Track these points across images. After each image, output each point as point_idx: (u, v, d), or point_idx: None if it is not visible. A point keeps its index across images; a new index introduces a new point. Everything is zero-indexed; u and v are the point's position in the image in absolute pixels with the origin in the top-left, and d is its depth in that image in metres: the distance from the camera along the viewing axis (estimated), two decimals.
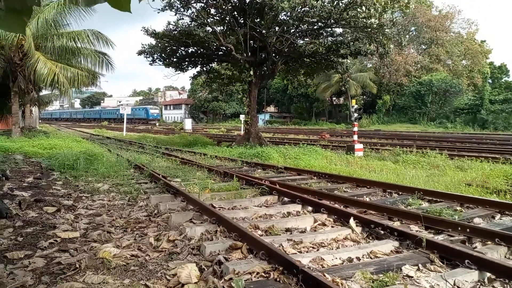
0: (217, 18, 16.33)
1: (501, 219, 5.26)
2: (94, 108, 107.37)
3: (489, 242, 4.16)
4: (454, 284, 3.16)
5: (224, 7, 15.09)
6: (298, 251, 3.98)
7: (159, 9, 15.17)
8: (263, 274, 3.28)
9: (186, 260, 3.75)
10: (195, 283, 3.21)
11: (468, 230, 4.37)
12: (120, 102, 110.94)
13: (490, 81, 53.06)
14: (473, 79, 48.55)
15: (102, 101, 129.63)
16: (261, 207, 6.01)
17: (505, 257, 3.93)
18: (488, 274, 3.32)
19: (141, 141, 19.80)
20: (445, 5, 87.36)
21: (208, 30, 15.23)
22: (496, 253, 3.89)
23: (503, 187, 7.27)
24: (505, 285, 3.14)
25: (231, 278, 3.15)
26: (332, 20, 13.59)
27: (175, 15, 15.63)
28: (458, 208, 5.81)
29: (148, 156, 12.26)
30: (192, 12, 15.81)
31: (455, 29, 51.80)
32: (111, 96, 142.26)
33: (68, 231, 4.67)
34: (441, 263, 3.60)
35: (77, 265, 3.58)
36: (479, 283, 3.25)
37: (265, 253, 3.54)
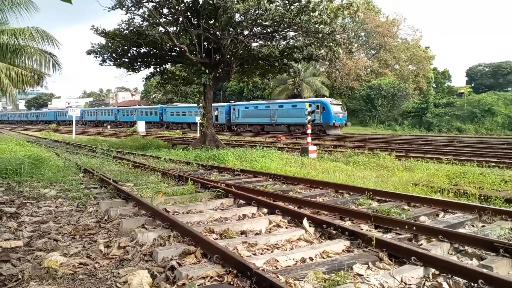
0: (170, 18, 16.04)
1: (444, 217, 5.57)
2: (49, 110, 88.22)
3: (433, 239, 4.38)
4: (401, 281, 3.30)
5: (177, 7, 14.86)
6: (253, 253, 3.99)
7: (109, 8, 14.66)
8: (217, 278, 3.26)
9: (137, 267, 3.64)
10: None
11: (414, 228, 4.58)
12: (69, 103, 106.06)
13: (434, 85, 56.23)
14: (418, 84, 51.15)
15: (49, 103, 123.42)
16: (216, 210, 5.97)
17: (448, 253, 4.16)
18: (433, 270, 3.50)
19: (91, 144, 19.07)
20: (392, 12, 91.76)
21: (161, 30, 14.94)
22: (439, 249, 4.11)
23: (446, 186, 7.69)
24: (448, 280, 3.32)
25: (184, 284, 3.10)
26: (285, 24, 13.78)
27: (126, 14, 15.19)
28: (406, 207, 6.09)
29: (98, 160, 11.81)
30: (144, 12, 15.44)
31: (401, 35, 54.44)
32: (59, 97, 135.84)
33: (10, 240, 4.40)
34: (390, 261, 3.74)
35: (20, 276, 3.39)
36: (424, 279, 3.41)
37: (219, 256, 3.52)
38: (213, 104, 44.52)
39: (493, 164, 11.02)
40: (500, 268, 3.55)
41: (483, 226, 5.08)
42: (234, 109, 40.76)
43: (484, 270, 3.24)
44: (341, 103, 36.73)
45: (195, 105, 49.35)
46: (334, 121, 31.98)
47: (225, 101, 59.13)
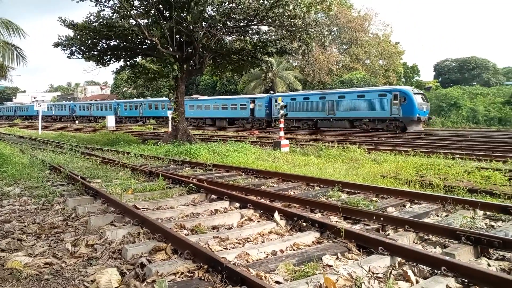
0: (141, 10, 15.72)
1: (411, 207, 5.74)
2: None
3: (400, 229, 4.51)
4: (369, 270, 3.38)
5: None
6: (224, 248, 3.99)
7: None
8: (187, 273, 3.24)
9: (106, 265, 3.58)
10: None
11: (382, 219, 4.70)
12: (35, 98, 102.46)
13: (403, 80, 57.60)
14: (388, 78, 52.22)
15: (14, 97, 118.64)
16: (188, 205, 5.93)
17: (414, 242, 4.29)
18: (399, 259, 3.61)
19: (59, 140, 18.51)
20: (363, 7, 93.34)
21: (132, 22, 14.61)
22: (406, 239, 4.23)
23: (413, 177, 7.92)
24: (413, 268, 3.43)
25: (154, 280, 3.07)
26: (258, 18, 13.76)
27: (96, 5, 14.77)
28: (374, 198, 6.24)
29: (66, 156, 11.46)
30: (114, 4, 15.05)
31: (372, 30, 55.35)
32: (24, 91, 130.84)
33: None
34: (358, 251, 3.83)
35: None
36: (391, 268, 3.50)
37: (190, 252, 3.50)
38: (248, 96, 40.31)
39: (458, 156, 11.42)
40: (462, 255, 3.69)
41: (446, 216, 5.27)
42: (276, 102, 32.29)
43: (447, 258, 3.37)
44: (422, 92, 29.94)
45: (225, 97, 43.12)
46: (418, 115, 25.48)
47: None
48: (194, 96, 46.74)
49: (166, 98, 46.74)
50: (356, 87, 43.74)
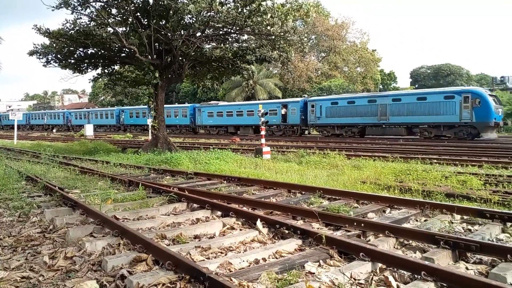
0: (119, 18, 15.58)
1: (390, 213, 5.82)
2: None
3: (380, 235, 4.56)
4: (351, 277, 3.40)
5: (126, 7, 14.46)
6: (206, 258, 3.95)
7: (53, 7, 13.97)
8: (169, 285, 3.20)
9: (85, 278, 3.50)
10: None
11: (362, 224, 4.75)
12: (10, 107, 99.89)
13: (381, 86, 58.81)
14: (366, 85, 53.26)
15: None
16: (169, 215, 5.87)
17: (394, 247, 4.34)
18: (380, 264, 3.64)
19: (35, 149, 18.07)
20: (340, 16, 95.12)
21: (109, 30, 14.45)
22: (386, 244, 4.28)
23: (392, 183, 8.04)
24: (394, 273, 3.47)
25: None
26: (237, 27, 13.82)
27: (72, 13, 14.55)
28: (354, 204, 6.30)
29: (43, 166, 11.20)
30: (91, 12, 14.87)
31: (350, 38, 56.48)
32: None
33: None
34: (340, 258, 3.86)
35: None
36: (372, 273, 3.54)
37: (171, 263, 3.46)
38: (279, 100, 38.07)
39: (435, 161, 11.68)
40: (440, 259, 3.76)
41: (425, 220, 5.36)
42: (313, 106, 30.90)
43: (426, 262, 3.43)
44: (494, 94, 26.54)
45: (251, 102, 39.47)
46: (494, 119, 22.55)
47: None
48: (213, 102, 44.57)
49: (180, 105, 43.76)
50: (334, 94, 44.35)
